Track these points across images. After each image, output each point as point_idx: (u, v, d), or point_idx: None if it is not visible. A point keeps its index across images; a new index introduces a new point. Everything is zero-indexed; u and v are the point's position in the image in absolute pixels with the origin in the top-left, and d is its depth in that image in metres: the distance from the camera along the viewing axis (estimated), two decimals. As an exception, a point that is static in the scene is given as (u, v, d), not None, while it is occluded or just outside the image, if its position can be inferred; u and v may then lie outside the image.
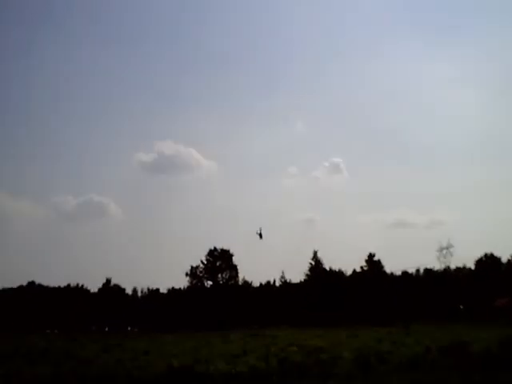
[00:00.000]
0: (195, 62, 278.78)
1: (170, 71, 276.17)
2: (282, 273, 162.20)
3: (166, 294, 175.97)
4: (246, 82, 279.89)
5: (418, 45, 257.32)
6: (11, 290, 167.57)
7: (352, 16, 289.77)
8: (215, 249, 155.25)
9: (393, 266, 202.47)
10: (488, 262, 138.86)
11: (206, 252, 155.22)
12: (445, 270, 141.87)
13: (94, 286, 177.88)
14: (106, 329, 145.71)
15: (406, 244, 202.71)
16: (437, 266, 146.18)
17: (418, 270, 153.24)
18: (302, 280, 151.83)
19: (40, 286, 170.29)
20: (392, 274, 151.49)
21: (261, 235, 59.43)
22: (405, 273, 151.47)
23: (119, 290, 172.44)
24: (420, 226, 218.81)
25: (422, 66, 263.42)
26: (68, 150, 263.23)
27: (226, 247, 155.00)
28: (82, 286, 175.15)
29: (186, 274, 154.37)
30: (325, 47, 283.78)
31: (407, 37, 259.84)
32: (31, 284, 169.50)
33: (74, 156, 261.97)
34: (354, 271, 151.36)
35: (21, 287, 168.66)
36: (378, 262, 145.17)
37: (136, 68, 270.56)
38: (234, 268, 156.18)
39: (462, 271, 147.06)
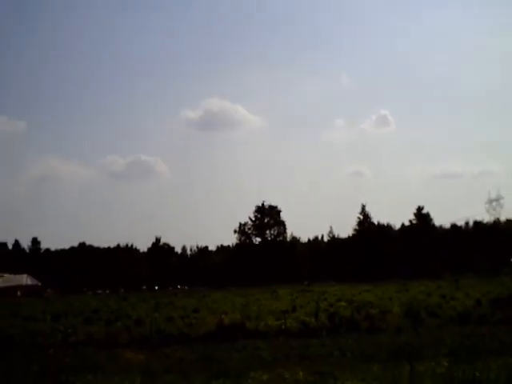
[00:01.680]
0: (240, 17, 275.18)
1: (215, 28, 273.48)
2: (330, 228, 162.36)
3: (214, 251, 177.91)
4: (289, 35, 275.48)
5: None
6: (63, 251, 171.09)
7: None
8: (263, 205, 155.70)
9: (441, 218, 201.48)
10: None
11: (254, 208, 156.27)
12: (494, 222, 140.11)
13: (143, 246, 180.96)
14: (156, 287, 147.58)
15: (454, 196, 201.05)
16: (486, 218, 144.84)
17: (467, 223, 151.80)
18: (350, 235, 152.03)
19: (91, 246, 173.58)
20: (441, 226, 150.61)
21: None
22: (454, 226, 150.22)
23: (168, 248, 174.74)
24: (468, 177, 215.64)
25: (471, 10, 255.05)
26: (114, 109, 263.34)
27: (274, 203, 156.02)
28: (132, 245, 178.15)
29: (235, 231, 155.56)
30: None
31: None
32: (82, 245, 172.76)
33: (120, 116, 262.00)
34: (403, 225, 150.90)
35: (72, 248, 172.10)
36: (427, 214, 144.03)
37: (183, 26, 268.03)
38: (282, 224, 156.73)
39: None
